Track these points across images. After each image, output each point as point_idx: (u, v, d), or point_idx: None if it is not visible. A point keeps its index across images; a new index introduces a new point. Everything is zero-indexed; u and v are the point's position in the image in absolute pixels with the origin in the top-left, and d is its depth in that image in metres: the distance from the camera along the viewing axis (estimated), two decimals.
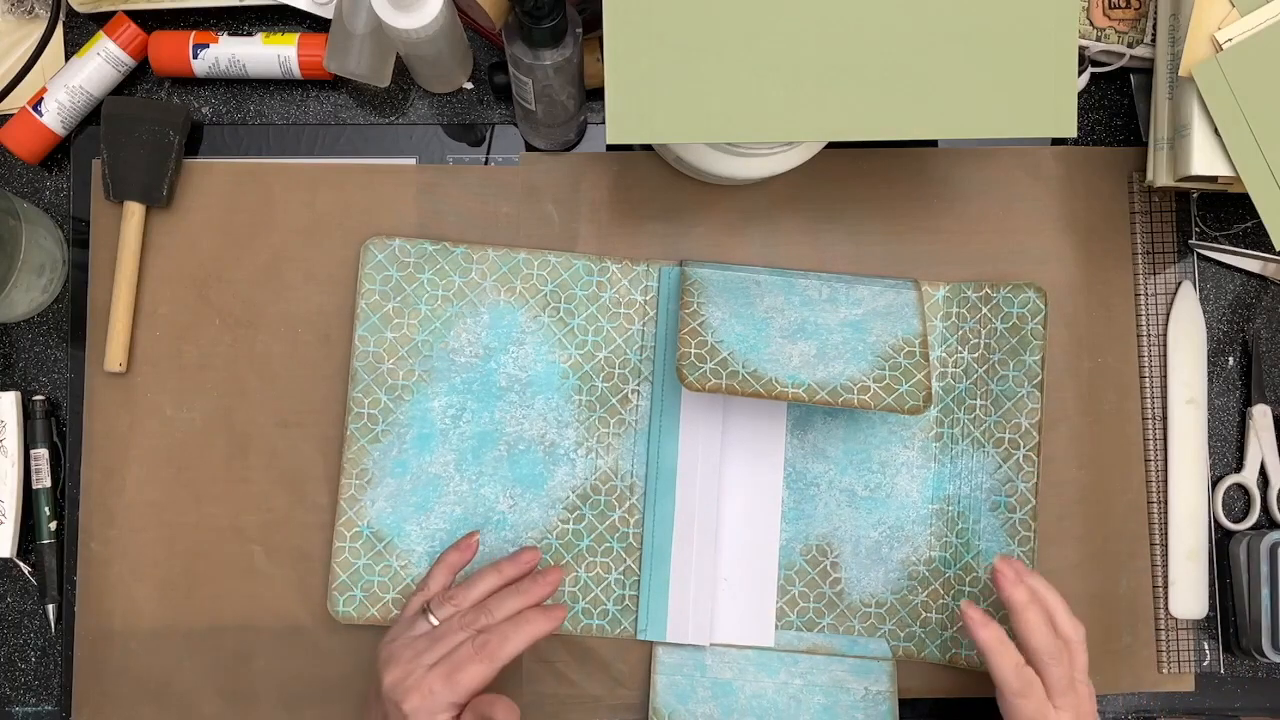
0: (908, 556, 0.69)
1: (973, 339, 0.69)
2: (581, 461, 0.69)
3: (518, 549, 0.66)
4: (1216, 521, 0.71)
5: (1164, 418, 0.71)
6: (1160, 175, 0.68)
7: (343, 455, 0.68)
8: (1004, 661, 0.59)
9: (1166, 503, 0.70)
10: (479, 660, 0.57)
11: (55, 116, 0.69)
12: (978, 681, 0.69)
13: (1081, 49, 0.70)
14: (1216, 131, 0.63)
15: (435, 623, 0.60)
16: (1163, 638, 0.70)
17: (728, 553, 0.68)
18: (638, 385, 0.69)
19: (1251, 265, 0.72)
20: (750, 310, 0.66)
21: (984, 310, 0.69)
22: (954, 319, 0.70)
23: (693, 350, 0.63)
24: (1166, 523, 0.70)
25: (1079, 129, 0.72)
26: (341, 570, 0.67)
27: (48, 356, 0.71)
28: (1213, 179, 0.65)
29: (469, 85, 0.71)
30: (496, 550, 0.68)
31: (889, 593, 0.69)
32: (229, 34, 0.70)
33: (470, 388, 0.69)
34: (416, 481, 0.68)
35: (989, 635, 0.59)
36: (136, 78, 0.71)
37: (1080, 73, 0.71)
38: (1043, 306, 0.68)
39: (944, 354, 0.70)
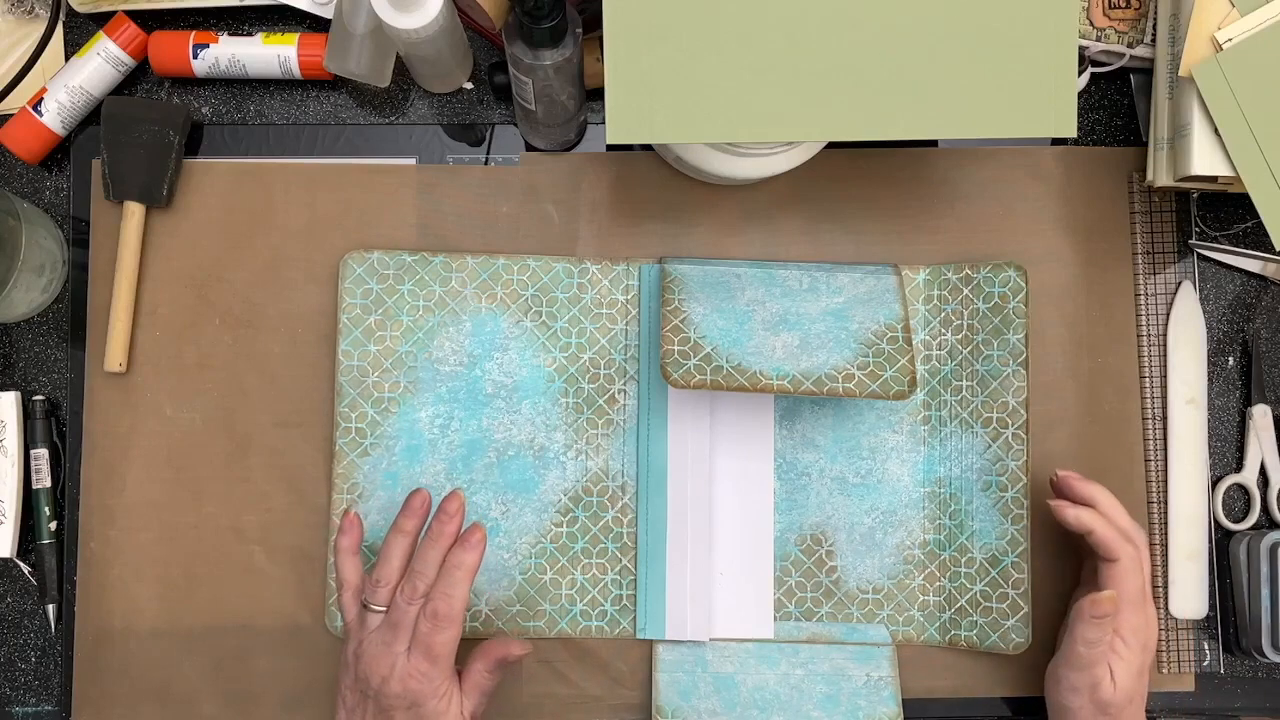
0: (902, 541, 0.69)
1: (955, 320, 0.69)
2: (572, 464, 0.69)
3: (406, 496, 0.64)
4: (1216, 521, 0.71)
5: (1164, 418, 0.71)
6: (1160, 175, 0.68)
7: (332, 470, 0.68)
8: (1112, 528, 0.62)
9: (1166, 503, 0.70)
10: (439, 629, 0.58)
11: (55, 116, 0.69)
12: (977, 680, 0.69)
13: (1081, 49, 0.70)
14: (1216, 131, 0.63)
15: (382, 609, 0.60)
16: (1163, 638, 0.70)
17: (723, 547, 0.68)
18: (624, 385, 0.69)
19: (1251, 265, 0.72)
20: (731, 304, 0.66)
21: (965, 291, 0.69)
22: (936, 301, 0.70)
23: (676, 347, 0.63)
24: (1166, 523, 0.70)
25: (1079, 129, 0.72)
26: (336, 593, 0.67)
27: (48, 356, 0.71)
28: (1213, 179, 0.65)
29: (469, 85, 0.71)
30: (491, 558, 0.68)
31: (885, 578, 0.69)
32: (229, 34, 0.70)
33: (456, 396, 0.69)
34: (408, 493, 0.68)
35: (1085, 511, 0.63)
36: (136, 78, 0.72)
37: (1080, 73, 0.71)
38: (1023, 285, 0.68)
39: (927, 337, 0.70)
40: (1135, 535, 0.63)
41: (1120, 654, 0.61)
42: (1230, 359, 0.72)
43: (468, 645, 0.62)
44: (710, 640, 0.68)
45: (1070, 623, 0.62)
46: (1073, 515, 0.62)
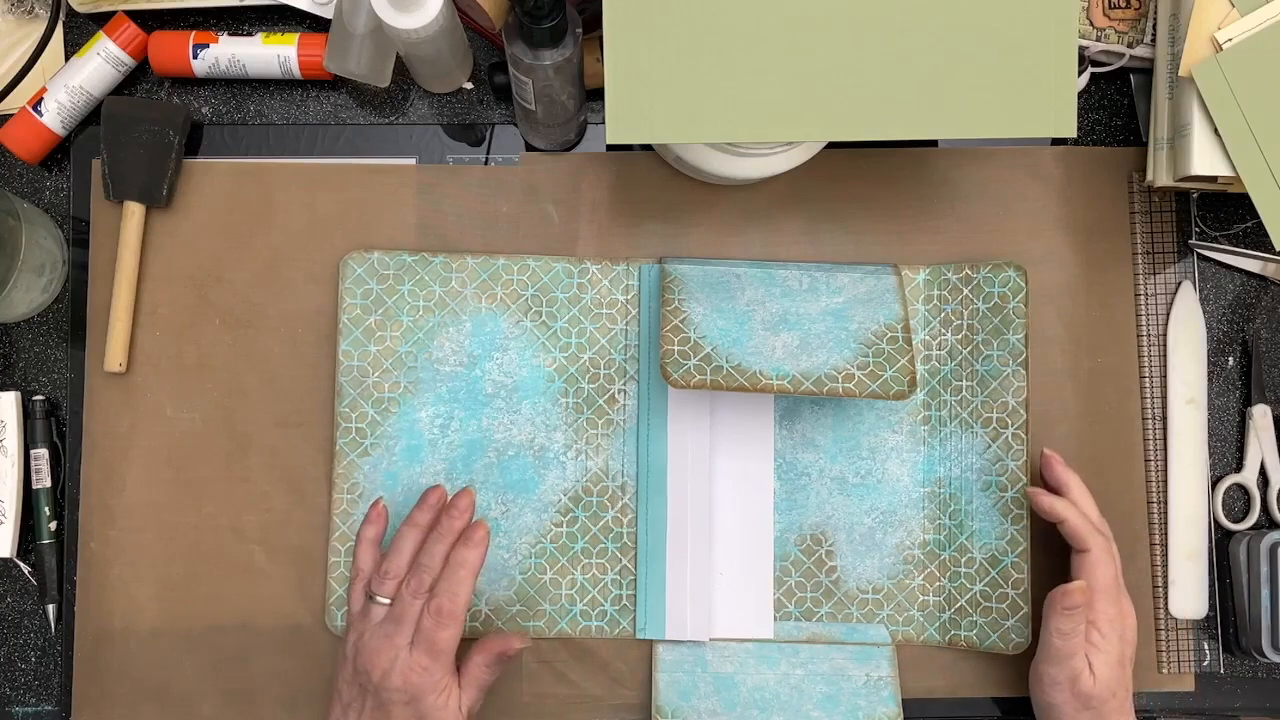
0: (902, 541, 0.69)
1: (955, 320, 0.69)
2: (572, 464, 0.69)
3: (423, 492, 0.65)
4: (1216, 521, 0.71)
5: (1164, 418, 0.71)
6: (1160, 175, 0.68)
7: (332, 470, 0.68)
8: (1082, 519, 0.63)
9: (1166, 503, 0.70)
10: (442, 625, 0.58)
11: (55, 116, 0.69)
12: (975, 681, 0.69)
13: (1081, 49, 0.70)
14: (1216, 131, 0.63)
15: (386, 602, 0.60)
16: (1163, 638, 0.70)
17: (722, 547, 0.68)
18: (624, 385, 0.69)
19: (1251, 265, 0.72)
20: (731, 304, 0.66)
21: (965, 291, 0.69)
22: (935, 301, 0.70)
23: (676, 347, 0.63)
24: (1166, 523, 0.70)
25: (1079, 129, 0.72)
26: (338, 585, 0.67)
27: (48, 356, 0.71)
28: (1213, 179, 0.65)
29: (469, 85, 0.71)
30: (491, 558, 0.68)
31: (885, 578, 0.69)
32: (229, 34, 0.70)
33: (456, 396, 0.69)
34: (408, 493, 0.68)
35: (1059, 501, 0.64)
36: (136, 78, 0.72)
37: (1080, 73, 0.71)
38: (1023, 285, 0.68)
39: (927, 337, 0.70)
40: (1104, 527, 0.64)
41: (1098, 645, 0.61)
42: (1230, 359, 0.72)
43: (467, 644, 0.62)
44: (710, 640, 0.68)
45: (1044, 617, 0.63)
46: (1046, 503, 0.63)
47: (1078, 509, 0.63)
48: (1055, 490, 0.66)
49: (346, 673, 0.60)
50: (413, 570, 0.60)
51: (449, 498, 0.63)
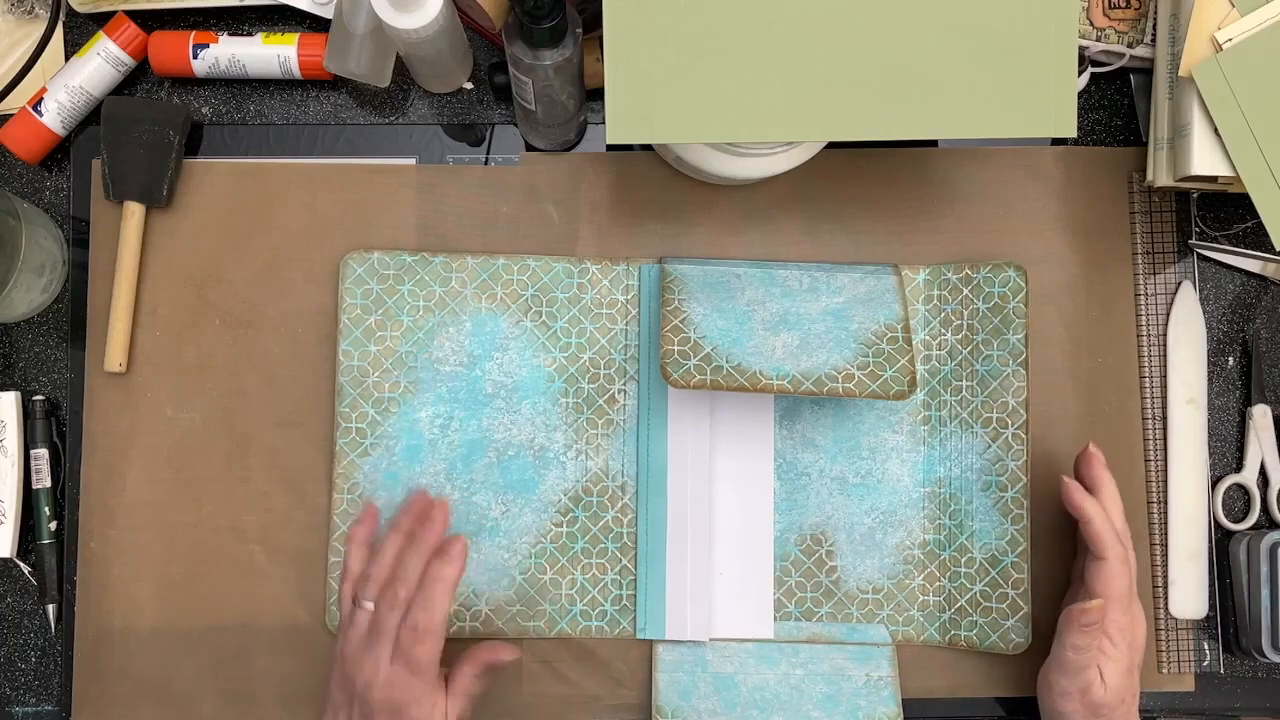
0: (902, 541, 0.69)
1: (955, 320, 0.69)
2: (572, 464, 0.69)
3: (408, 495, 0.66)
4: (1216, 521, 0.71)
5: (1164, 418, 0.71)
6: (1160, 175, 0.68)
7: (333, 470, 0.68)
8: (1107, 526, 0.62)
9: (1166, 503, 0.70)
10: (419, 641, 0.57)
11: (55, 116, 0.69)
12: (975, 681, 0.69)
13: (1081, 49, 0.70)
14: (1216, 131, 0.63)
15: (370, 607, 0.60)
16: (1163, 638, 0.70)
17: (722, 547, 0.68)
18: (624, 385, 0.69)
19: (1251, 265, 0.72)
20: (731, 304, 0.66)
21: (965, 291, 0.69)
22: (936, 301, 0.70)
23: (676, 347, 0.63)
24: (1166, 523, 0.70)
25: (1079, 129, 0.72)
26: (338, 585, 0.67)
27: (48, 356, 0.71)
28: (1213, 179, 0.65)
29: (469, 85, 0.71)
30: (491, 558, 0.68)
31: (885, 578, 0.69)
32: (229, 34, 0.70)
33: (456, 396, 0.69)
34: (408, 493, 0.68)
35: (1092, 503, 0.62)
36: (136, 78, 0.72)
37: (1080, 73, 0.71)
38: (1023, 285, 0.68)
39: (927, 337, 0.70)
40: (1125, 537, 0.63)
41: (1109, 654, 0.61)
42: (1230, 359, 0.72)
43: (464, 645, 0.62)
44: (710, 640, 0.68)
45: (1059, 631, 0.62)
46: (1077, 499, 0.62)
47: (1105, 514, 0.62)
48: (1087, 486, 0.64)
49: (337, 675, 0.60)
50: (388, 582, 0.59)
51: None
